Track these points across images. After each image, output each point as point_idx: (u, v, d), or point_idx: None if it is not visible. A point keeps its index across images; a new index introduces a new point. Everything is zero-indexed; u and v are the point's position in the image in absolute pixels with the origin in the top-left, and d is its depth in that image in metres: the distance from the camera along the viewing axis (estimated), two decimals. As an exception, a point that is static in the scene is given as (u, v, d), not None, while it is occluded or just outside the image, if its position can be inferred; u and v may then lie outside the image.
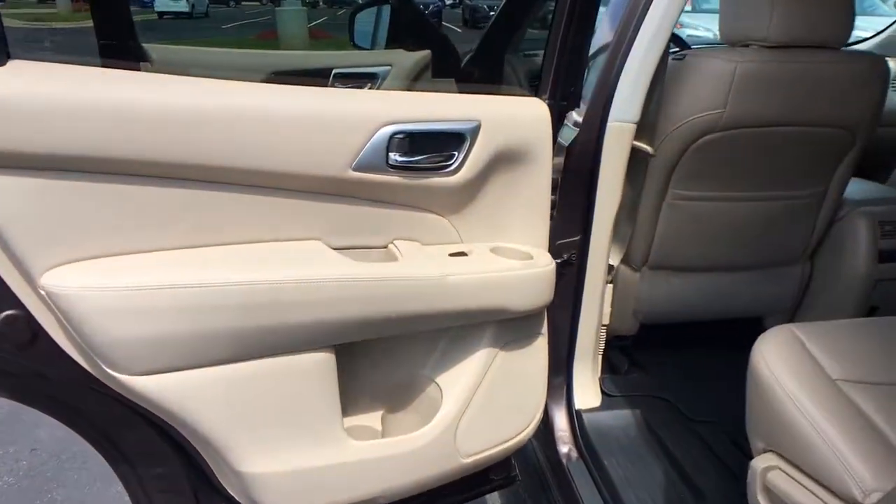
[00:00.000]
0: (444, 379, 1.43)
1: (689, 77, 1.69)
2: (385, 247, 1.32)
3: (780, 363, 1.24)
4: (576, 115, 1.54)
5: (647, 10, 1.43)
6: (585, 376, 1.81)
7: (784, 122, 1.69)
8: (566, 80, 1.47)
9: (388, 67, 2.35)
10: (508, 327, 1.42)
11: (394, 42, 2.45)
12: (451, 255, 1.31)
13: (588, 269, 1.63)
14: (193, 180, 1.09)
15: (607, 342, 1.95)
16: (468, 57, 2.61)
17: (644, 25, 1.44)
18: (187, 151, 1.06)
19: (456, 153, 1.23)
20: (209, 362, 1.11)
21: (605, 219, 1.59)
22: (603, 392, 1.87)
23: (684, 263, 2.00)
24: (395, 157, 1.19)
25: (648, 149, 1.74)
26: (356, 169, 1.16)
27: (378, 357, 1.44)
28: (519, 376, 1.49)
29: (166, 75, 1.09)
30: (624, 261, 2.01)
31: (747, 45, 1.67)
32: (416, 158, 1.21)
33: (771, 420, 1.22)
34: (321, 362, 1.22)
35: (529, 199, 1.39)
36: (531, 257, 1.38)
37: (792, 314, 2.11)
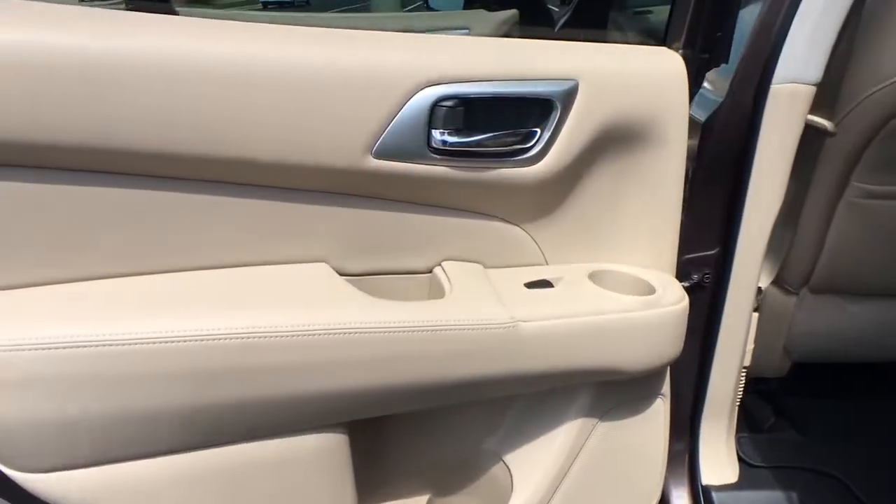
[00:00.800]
0: (516, 458, 1.03)
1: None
2: (428, 272, 0.92)
3: None
4: (716, 76, 1.11)
5: None
6: (717, 440, 1.34)
7: None
8: (709, 21, 1.01)
9: (466, 30, 1.96)
10: (613, 388, 1.00)
11: (474, 2, 2.19)
12: (530, 285, 0.93)
13: (730, 295, 1.19)
14: (123, 174, 0.74)
15: (744, 388, 1.46)
16: (565, 18, 2.16)
17: None
18: (107, 127, 0.71)
19: (538, 130, 0.87)
20: (147, 453, 0.75)
21: (758, 224, 1.14)
22: (741, 460, 1.40)
23: (862, 285, 1.47)
24: (440, 136, 0.82)
25: (826, 124, 1.21)
26: (379, 155, 0.81)
27: (421, 423, 1.02)
28: (627, 454, 1.06)
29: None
30: (775, 281, 1.51)
31: None
32: (476, 139, 0.85)
33: None
34: (324, 449, 0.82)
35: (651, 198, 0.97)
36: (653, 289, 0.93)
37: None
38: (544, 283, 0.93)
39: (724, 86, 1.10)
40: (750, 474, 1.41)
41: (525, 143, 0.86)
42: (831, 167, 1.31)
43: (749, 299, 1.20)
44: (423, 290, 0.93)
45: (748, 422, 1.57)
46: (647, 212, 0.97)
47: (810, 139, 1.22)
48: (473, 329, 0.82)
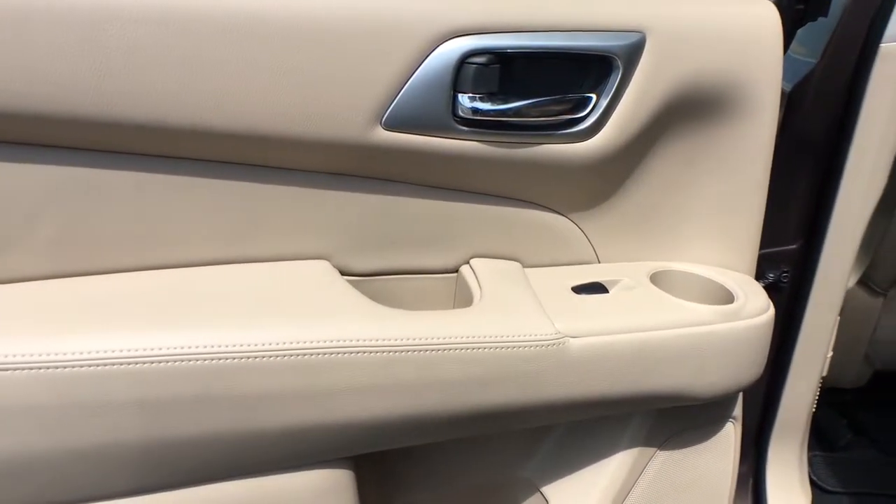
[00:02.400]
0: (556, 490, 0.87)
1: None
2: (453, 271, 0.76)
3: None
4: (805, 33, 0.91)
5: None
6: (787, 461, 1.16)
7: None
8: None
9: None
10: (677, 413, 0.83)
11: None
12: (578, 289, 0.77)
13: (813, 297, 1.01)
14: (66, 148, 0.60)
15: (818, 400, 1.28)
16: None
17: None
18: (43, 88, 0.57)
19: (593, 97, 0.70)
20: (100, 495, 0.60)
21: (854, 214, 0.96)
22: (813, 484, 1.22)
23: None
24: (469, 102, 0.66)
25: None
26: (391, 126, 0.65)
27: (443, 448, 0.87)
28: (691, 489, 0.90)
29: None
30: (860, 279, 1.32)
31: None
32: (514, 106, 0.68)
33: None
34: (324, 489, 0.67)
35: (732, 183, 0.80)
36: (732, 296, 0.76)
37: None
38: (597, 287, 0.76)
39: (817, 46, 0.91)
40: (824, 500, 1.23)
41: (576, 113, 0.69)
42: None
43: (836, 302, 1.02)
44: (446, 294, 0.76)
45: (821, 439, 1.39)
46: (726, 199, 0.79)
47: None
48: (509, 347, 0.65)
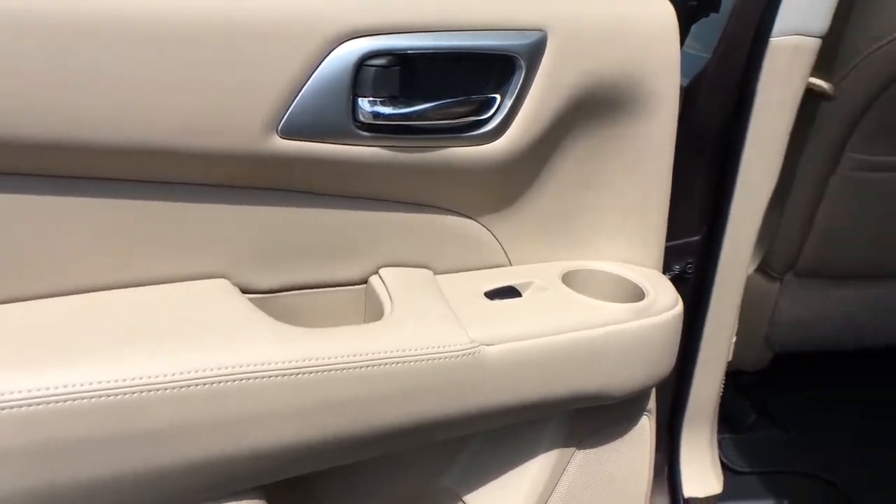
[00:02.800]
0: (479, 497, 0.85)
1: None
2: (362, 282, 0.73)
3: None
4: (698, 29, 0.93)
5: None
6: (699, 447, 1.19)
7: None
8: None
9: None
10: (593, 412, 0.83)
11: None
12: (491, 294, 0.75)
13: (717, 286, 1.03)
14: None
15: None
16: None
17: None
18: None
19: (497, 97, 0.69)
20: None
21: (751, 203, 0.98)
22: (724, 466, 1.25)
23: (853, 268, 1.36)
24: (369, 106, 0.63)
25: (824, 86, 1.06)
26: (287, 134, 0.62)
27: (361, 463, 0.84)
28: (610, 483, 0.90)
29: None
30: (758, 266, 1.36)
31: None
32: (416, 109, 0.66)
33: None
34: None
35: (637, 178, 0.80)
36: (642, 292, 0.77)
37: None
38: (510, 291, 0.74)
39: (710, 42, 0.93)
40: (735, 482, 1.28)
41: (481, 115, 0.67)
42: (826, 136, 1.16)
43: (738, 290, 1.05)
44: (355, 307, 0.73)
45: (728, 421, 1.44)
46: (633, 195, 0.80)
47: (804, 105, 1.08)
48: (424, 360, 0.63)
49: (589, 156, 0.77)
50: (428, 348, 0.63)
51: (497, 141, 0.69)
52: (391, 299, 0.68)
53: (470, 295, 0.72)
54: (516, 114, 0.68)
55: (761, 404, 1.49)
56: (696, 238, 1.00)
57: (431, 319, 0.66)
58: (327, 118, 0.60)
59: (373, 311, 0.72)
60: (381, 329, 0.64)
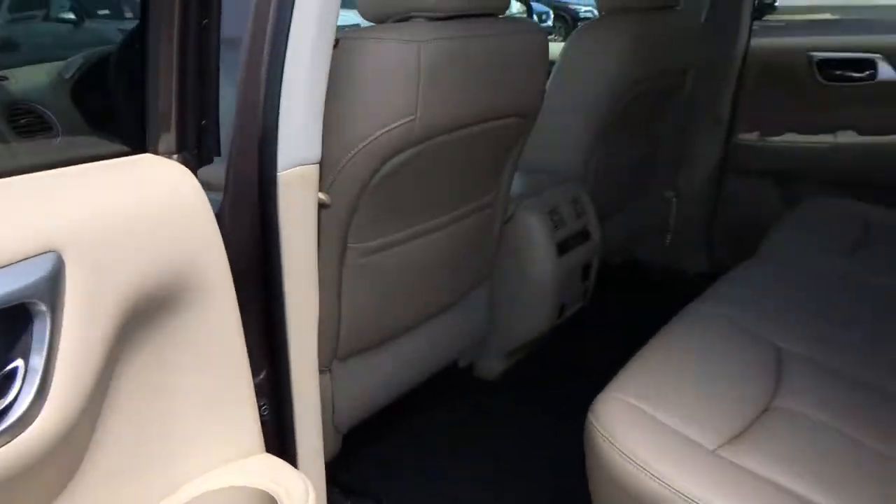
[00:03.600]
0: None
1: (355, 73, 1.14)
2: None
3: (643, 449, 0.97)
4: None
5: None
6: None
7: (476, 118, 1.33)
8: (194, 110, 0.79)
9: None
10: None
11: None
12: None
13: (298, 415, 0.96)
14: None
15: None
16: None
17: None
18: None
19: (21, 365, 0.53)
20: None
21: (305, 323, 0.93)
22: None
23: (382, 335, 1.50)
24: None
25: (322, 197, 1.09)
26: None
27: None
28: None
29: None
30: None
31: (407, 19, 1.22)
32: None
33: None
34: None
35: (213, 364, 0.75)
36: (273, 499, 0.75)
37: (483, 341, 1.85)
38: None
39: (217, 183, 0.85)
40: None
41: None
42: (331, 238, 1.27)
43: (317, 415, 0.99)
44: None
45: None
46: (214, 386, 0.75)
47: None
48: None
49: (153, 369, 0.69)
50: None
51: (29, 430, 0.52)
52: None
53: None
54: (48, 390, 0.53)
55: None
56: (262, 377, 0.92)
57: None
58: None
59: None
60: None
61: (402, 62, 1.14)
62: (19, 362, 0.51)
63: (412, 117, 1.17)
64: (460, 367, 1.87)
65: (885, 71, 2.17)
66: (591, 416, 1.05)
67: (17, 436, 0.51)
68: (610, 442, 0.99)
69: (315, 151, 0.87)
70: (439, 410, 1.80)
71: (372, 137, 1.17)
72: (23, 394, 0.51)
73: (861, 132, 2.24)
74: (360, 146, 1.18)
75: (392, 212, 1.33)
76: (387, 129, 1.16)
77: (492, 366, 1.91)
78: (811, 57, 2.26)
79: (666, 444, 0.98)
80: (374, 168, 1.21)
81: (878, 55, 2.18)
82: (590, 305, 2.02)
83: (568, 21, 8.00)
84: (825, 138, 2.29)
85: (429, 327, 1.63)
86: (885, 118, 2.20)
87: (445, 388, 1.84)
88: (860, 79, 2.22)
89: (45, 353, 0.52)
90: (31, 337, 0.51)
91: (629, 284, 2.48)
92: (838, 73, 2.24)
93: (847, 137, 2.26)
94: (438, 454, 1.66)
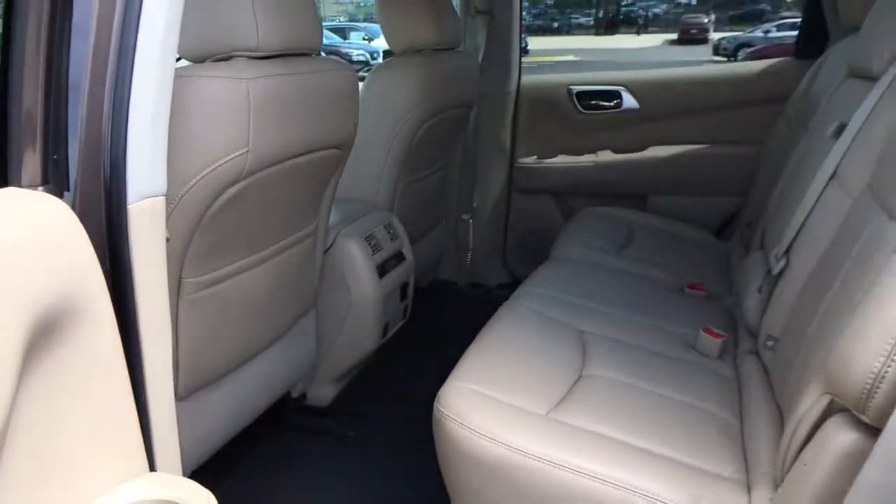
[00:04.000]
0: None
1: (187, 109, 1.18)
2: None
3: (490, 423, 1.12)
4: None
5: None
6: None
7: (300, 150, 1.42)
8: (54, 142, 0.80)
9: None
10: None
11: None
12: None
13: (159, 458, 0.94)
14: None
15: None
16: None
17: (144, 27, 0.82)
18: None
19: None
20: None
21: (162, 366, 0.93)
22: None
23: (218, 371, 1.51)
24: None
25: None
26: None
27: None
28: None
29: None
30: None
31: (229, 58, 1.29)
32: None
33: (506, 492, 1.10)
34: None
35: (98, 394, 0.75)
36: None
37: (313, 368, 1.92)
38: None
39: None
40: None
41: None
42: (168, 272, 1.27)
43: (176, 454, 0.99)
44: None
45: None
46: (99, 411, 0.75)
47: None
48: None
49: (41, 404, 0.68)
50: None
51: None
52: None
53: None
54: None
55: None
56: None
57: None
58: None
59: None
60: None
61: (233, 98, 1.19)
62: None
63: (245, 150, 1.23)
64: (294, 396, 1.90)
65: (628, 100, 2.60)
66: (438, 406, 1.17)
67: None
68: (460, 423, 1.11)
69: (162, 183, 0.88)
70: (279, 440, 1.82)
71: (207, 170, 1.20)
72: None
73: (616, 151, 2.65)
74: (196, 179, 1.21)
75: (224, 244, 1.36)
76: (221, 162, 1.21)
77: (324, 392, 1.96)
78: (571, 90, 2.64)
79: (507, 417, 1.13)
80: (209, 201, 1.24)
81: (622, 87, 2.60)
82: (408, 323, 2.16)
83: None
84: (589, 158, 2.67)
85: (262, 360, 1.65)
86: (631, 139, 2.63)
87: (280, 418, 1.87)
88: (610, 107, 2.63)
89: None
90: None
91: (440, 301, 2.67)
92: (593, 102, 2.63)
93: (605, 156, 2.66)
94: (279, 484, 1.68)
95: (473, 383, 1.20)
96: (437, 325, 2.36)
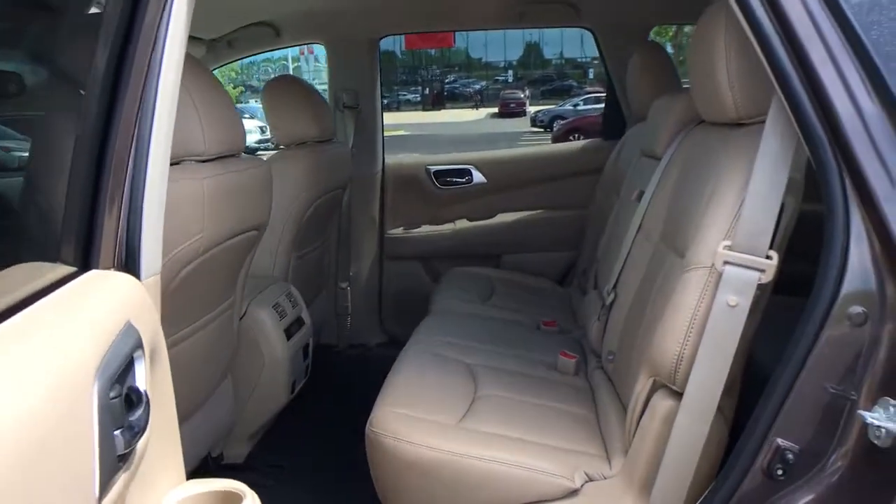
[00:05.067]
0: None
1: None
2: None
3: (418, 434, 1.44)
4: None
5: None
6: None
7: (235, 231, 1.67)
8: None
9: None
10: None
11: None
12: None
13: None
14: None
15: None
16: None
17: (154, 139, 1.00)
18: None
19: None
20: None
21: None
22: None
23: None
24: None
25: None
26: None
27: None
28: None
29: None
30: None
31: (179, 163, 1.52)
32: None
33: (436, 486, 1.41)
34: None
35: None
36: None
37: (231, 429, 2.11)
38: None
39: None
40: None
41: None
42: None
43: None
44: None
45: None
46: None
47: None
48: None
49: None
50: None
51: None
52: None
53: None
54: None
55: None
56: None
57: None
58: None
59: None
60: None
61: (192, 194, 1.46)
62: None
63: (200, 235, 1.48)
64: (212, 456, 2.08)
65: (477, 176, 3.09)
66: (372, 428, 1.47)
67: None
68: (394, 438, 1.42)
69: (159, 262, 1.08)
70: None
71: (172, 253, 1.43)
72: None
73: (470, 219, 3.12)
74: (164, 261, 1.42)
75: (170, 319, 1.57)
76: (182, 246, 1.45)
77: (240, 450, 2.15)
78: (429, 169, 3.09)
79: (429, 428, 1.45)
80: (168, 281, 1.48)
81: (472, 165, 3.09)
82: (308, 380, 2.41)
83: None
84: (448, 226, 3.11)
85: (190, 425, 1.79)
86: (482, 208, 3.11)
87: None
88: (462, 182, 3.10)
89: None
90: None
91: (327, 361, 2.93)
92: (448, 179, 3.09)
93: (462, 224, 3.12)
94: None
95: (397, 407, 1.52)
96: (328, 382, 2.62)
